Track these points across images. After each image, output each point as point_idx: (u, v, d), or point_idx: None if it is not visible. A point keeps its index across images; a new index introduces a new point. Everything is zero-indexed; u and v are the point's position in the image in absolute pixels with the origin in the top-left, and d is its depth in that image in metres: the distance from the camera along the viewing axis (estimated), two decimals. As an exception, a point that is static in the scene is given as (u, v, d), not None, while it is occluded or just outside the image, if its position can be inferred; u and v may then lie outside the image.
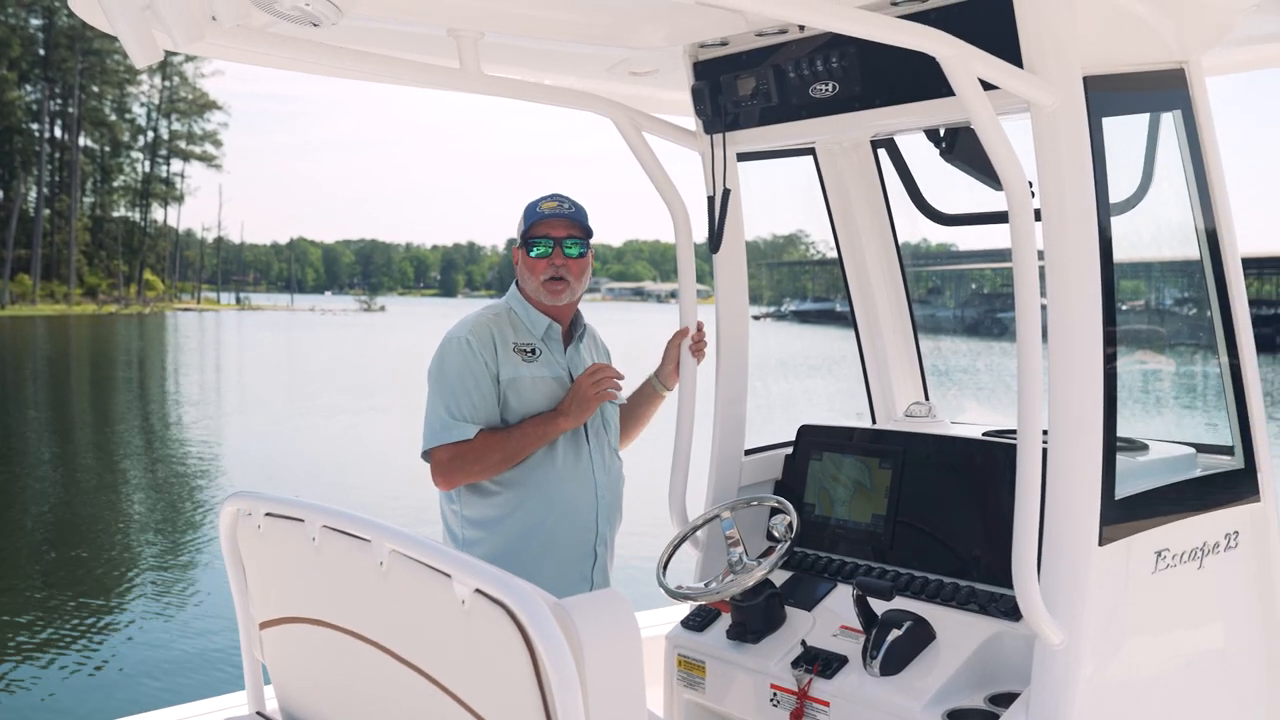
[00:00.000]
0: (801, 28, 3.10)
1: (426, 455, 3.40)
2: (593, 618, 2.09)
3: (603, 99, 3.59)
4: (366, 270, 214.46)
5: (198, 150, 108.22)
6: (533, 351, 3.46)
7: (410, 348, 54.79)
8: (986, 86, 2.49)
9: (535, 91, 3.47)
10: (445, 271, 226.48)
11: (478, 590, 2.09)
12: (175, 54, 2.95)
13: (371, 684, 2.48)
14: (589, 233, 3.52)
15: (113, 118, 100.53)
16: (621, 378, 3.48)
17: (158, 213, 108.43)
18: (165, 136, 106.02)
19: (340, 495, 14.96)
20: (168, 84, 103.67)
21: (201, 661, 9.17)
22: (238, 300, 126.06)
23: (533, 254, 3.48)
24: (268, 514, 2.65)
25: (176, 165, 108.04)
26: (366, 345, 56.91)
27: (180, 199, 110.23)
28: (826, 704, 3.04)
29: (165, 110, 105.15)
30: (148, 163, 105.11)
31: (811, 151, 4.04)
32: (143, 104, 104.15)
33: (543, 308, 3.52)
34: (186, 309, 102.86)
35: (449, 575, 2.15)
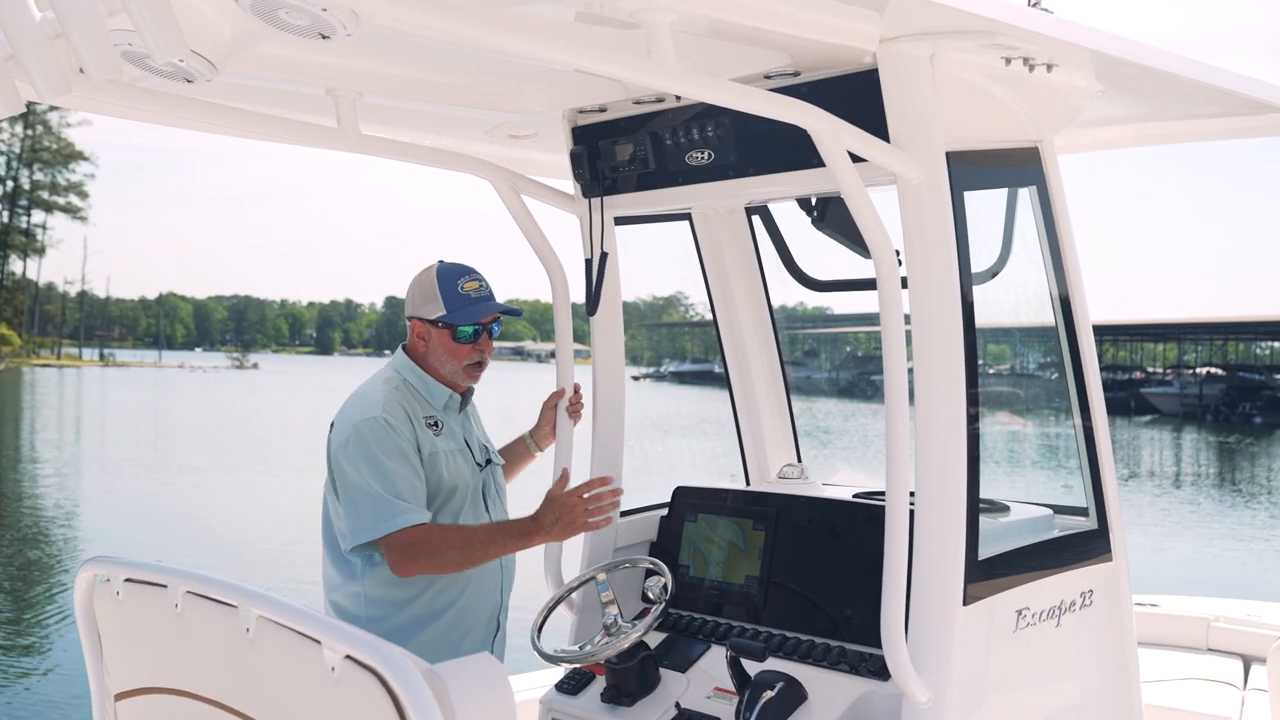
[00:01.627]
0: (678, 97, 3.18)
1: (367, 544, 3.18)
2: (466, 683, 2.07)
3: (481, 161, 3.61)
4: (239, 327, 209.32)
5: (61, 201, 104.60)
6: (436, 424, 3.34)
7: (284, 406, 53.58)
8: (855, 159, 2.58)
9: (413, 152, 3.47)
10: (321, 329, 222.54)
11: (348, 656, 2.05)
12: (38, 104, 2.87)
13: (235, 756, 2.40)
14: (510, 313, 3.45)
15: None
16: (620, 493, 3.39)
17: (16, 265, 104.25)
18: (26, 186, 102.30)
19: (207, 561, 14.45)
20: (30, 133, 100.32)
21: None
22: (101, 356, 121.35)
23: (459, 339, 3.34)
24: (127, 580, 2.56)
25: (38, 216, 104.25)
26: (238, 404, 55.36)
27: (41, 251, 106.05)
28: (700, 767, 3.04)
29: (27, 159, 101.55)
30: (6, 213, 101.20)
31: (688, 216, 4.11)
32: (2, 152, 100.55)
33: (445, 381, 3.40)
34: (45, 365, 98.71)
35: (318, 641, 2.10)
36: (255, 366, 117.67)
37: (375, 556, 3.22)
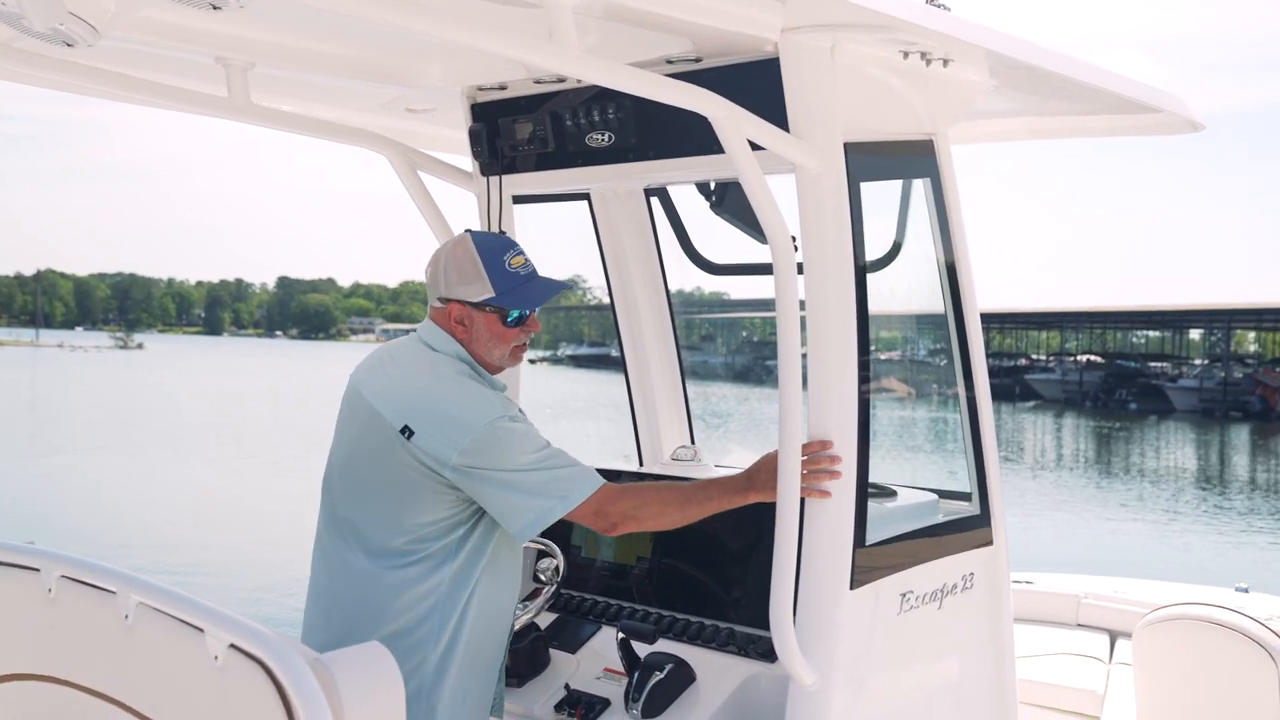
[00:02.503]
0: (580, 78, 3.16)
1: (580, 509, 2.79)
2: (354, 672, 2.04)
3: (377, 135, 3.54)
4: (124, 306, 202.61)
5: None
6: None
7: (171, 387, 52.13)
8: (755, 146, 2.60)
9: (306, 124, 3.40)
10: (210, 309, 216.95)
11: (232, 645, 2.00)
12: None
13: (112, 745, 2.33)
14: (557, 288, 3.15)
15: None
16: (839, 461, 2.79)
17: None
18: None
19: (85, 545, 14.00)
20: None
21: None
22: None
23: (509, 322, 2.92)
24: None
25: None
26: (122, 384, 53.66)
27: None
28: (590, 748, 3.05)
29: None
30: None
31: (587, 196, 4.10)
32: None
33: (493, 370, 3.00)
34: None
35: (201, 629, 2.05)
36: (140, 346, 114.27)
37: (453, 553, 2.82)
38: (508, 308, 2.90)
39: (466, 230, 3.04)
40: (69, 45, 2.15)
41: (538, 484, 2.75)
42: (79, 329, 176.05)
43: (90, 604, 2.26)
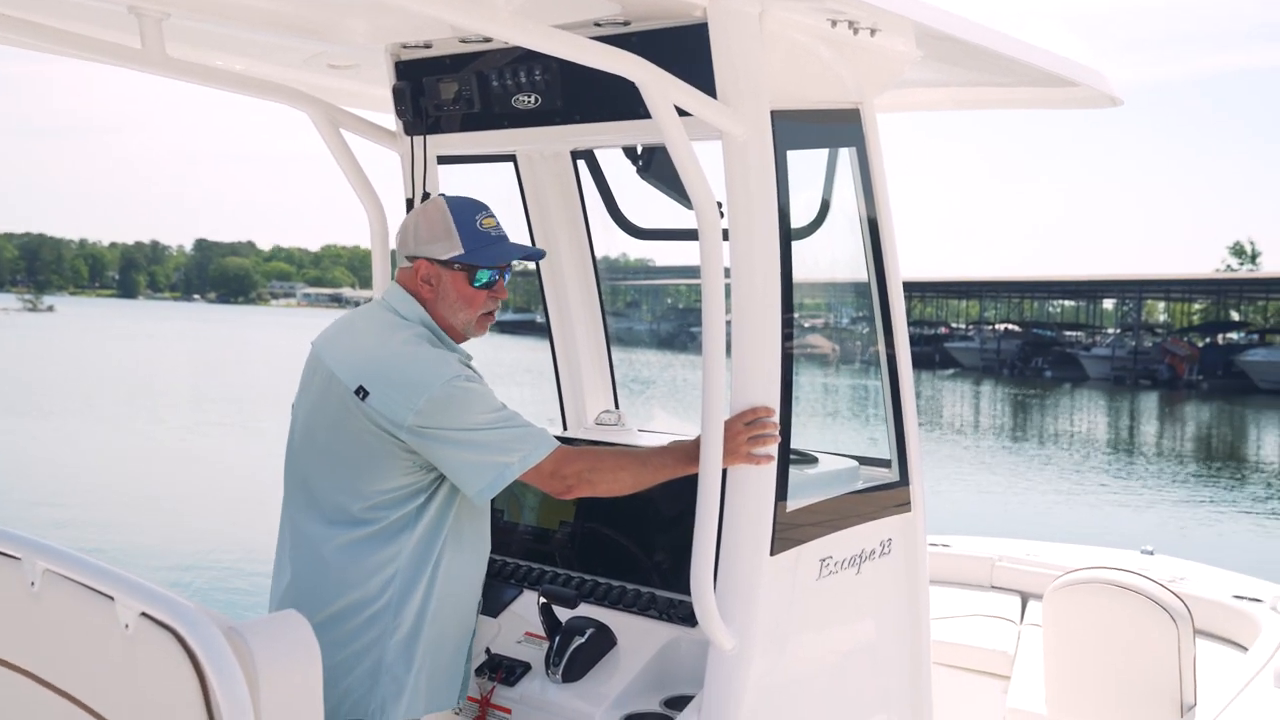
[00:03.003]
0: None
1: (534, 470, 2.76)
2: (269, 641, 2.01)
3: (297, 91, 3.46)
4: (32, 267, 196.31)
5: None
6: None
7: (84, 351, 50.81)
8: (682, 112, 2.59)
9: (224, 78, 3.30)
10: (125, 271, 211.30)
11: (143, 614, 1.96)
12: None
13: (19, 717, 2.27)
14: (532, 255, 3.10)
15: None
16: (778, 426, 2.78)
17: None
18: None
19: (-7, 504, 13.65)
20: None
21: None
22: None
23: (477, 284, 2.87)
24: None
25: None
26: (30, 349, 52.17)
27: None
28: (508, 711, 3.06)
29: None
30: None
31: (513, 159, 4.06)
32: None
33: (458, 338, 2.95)
34: None
35: (111, 597, 2.00)
36: (51, 309, 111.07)
37: (412, 522, 2.79)
38: (476, 265, 2.85)
39: (441, 194, 3.00)
40: (-29, -10, 2.07)
41: (495, 442, 2.71)
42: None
43: None
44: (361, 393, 2.73)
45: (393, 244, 3.31)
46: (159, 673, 1.94)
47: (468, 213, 2.88)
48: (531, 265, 4.26)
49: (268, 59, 3.50)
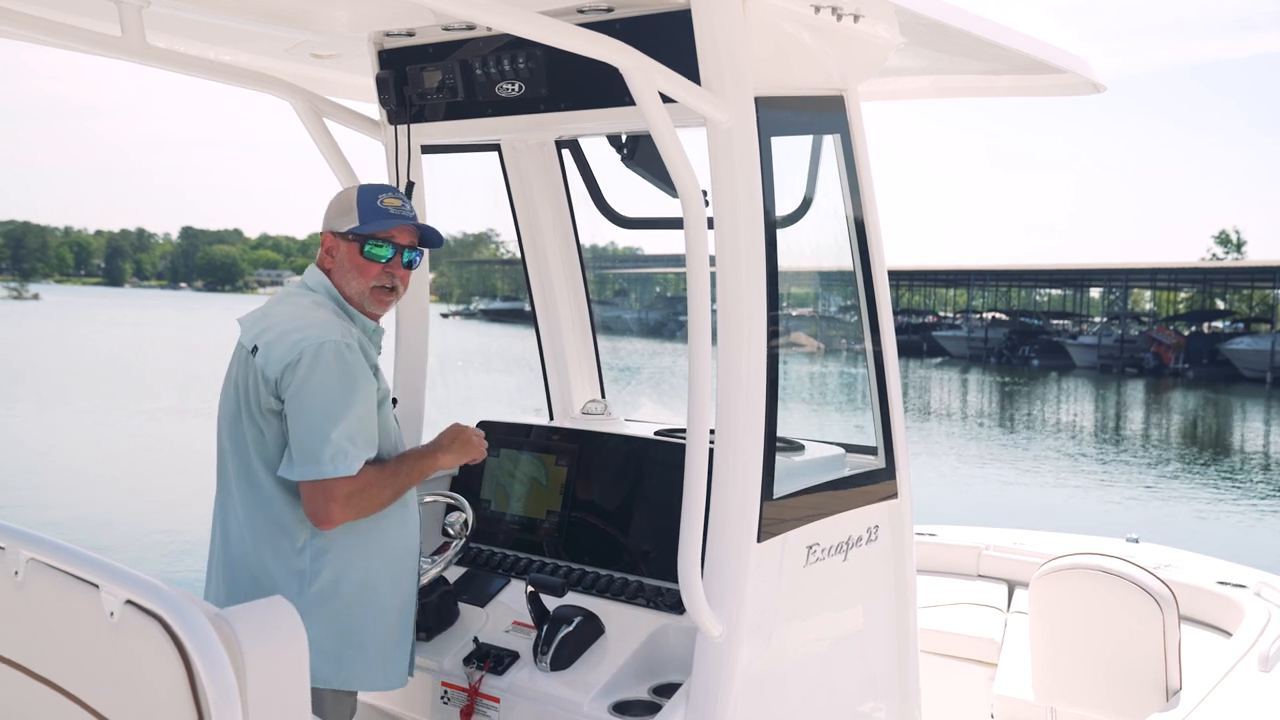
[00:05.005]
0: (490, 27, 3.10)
1: (302, 484, 2.82)
2: (255, 627, 2.01)
3: (281, 81, 3.45)
4: (16, 255, 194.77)
5: None
6: (368, 357, 2.98)
7: (70, 340, 50.62)
8: (666, 99, 2.58)
9: (206, 67, 3.29)
10: (111, 259, 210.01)
11: (129, 601, 1.96)
12: None
13: (4, 707, 2.27)
14: (428, 242, 3.11)
15: None
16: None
17: None
18: None
19: (-23, 495, 13.59)
20: None
21: None
22: None
23: (367, 254, 2.97)
24: None
25: None
26: (16, 337, 51.94)
27: None
28: (497, 700, 3.06)
29: None
30: None
31: (498, 148, 4.05)
32: None
33: (364, 310, 3.04)
34: None
35: (96, 585, 2.00)
36: (36, 297, 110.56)
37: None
38: (367, 234, 2.98)
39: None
40: (-52, -24, 2.06)
41: (304, 436, 2.79)
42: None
43: None
44: (255, 350, 2.89)
45: None
46: (145, 660, 1.94)
47: (372, 192, 3.06)
48: (518, 254, 4.26)
49: (250, 48, 3.48)
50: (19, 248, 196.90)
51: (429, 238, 3.08)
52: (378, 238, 2.98)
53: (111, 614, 1.97)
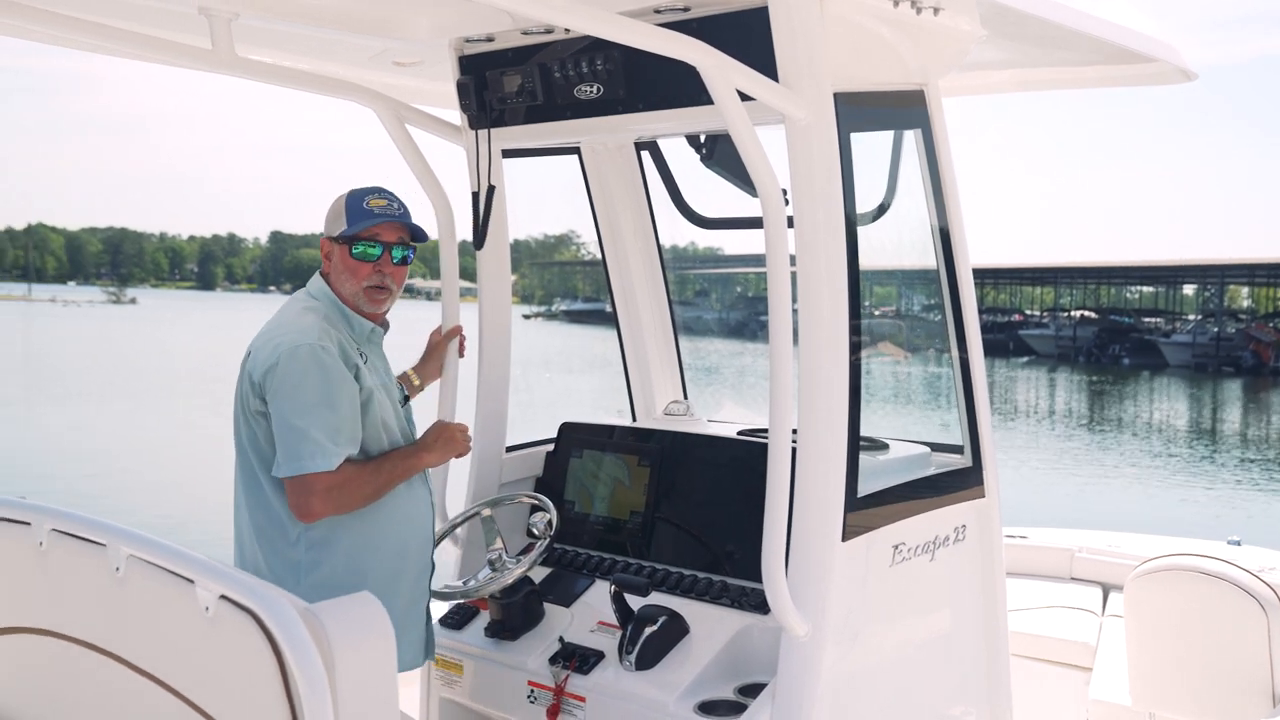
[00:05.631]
0: (568, 29, 3.12)
1: (285, 479, 2.97)
2: (344, 621, 2.05)
3: (364, 89, 3.51)
4: (115, 260, 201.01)
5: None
6: (363, 357, 3.12)
7: (166, 342, 52.04)
8: (744, 97, 2.58)
9: (293, 78, 3.36)
10: (203, 264, 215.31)
11: (223, 596, 2.01)
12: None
13: (106, 697, 2.34)
14: (418, 237, 3.20)
15: None
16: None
17: None
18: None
19: (80, 499, 14.04)
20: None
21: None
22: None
23: (356, 254, 3.09)
24: None
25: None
26: (116, 339, 53.58)
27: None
28: (583, 699, 3.07)
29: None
30: None
31: (577, 150, 4.07)
32: None
33: (361, 311, 3.17)
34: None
35: (191, 581, 2.06)
36: (133, 301, 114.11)
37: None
38: (354, 235, 3.09)
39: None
40: (50, -6, 2.13)
41: (284, 433, 2.93)
42: (71, 284, 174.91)
43: (81, 557, 2.26)
44: (248, 355, 3.06)
45: (463, 234, 3.38)
46: (238, 653, 1.99)
47: (359, 195, 3.17)
48: (599, 254, 4.28)
49: (335, 58, 3.55)
50: (117, 253, 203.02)
51: (419, 234, 3.20)
52: (362, 238, 3.09)
53: (206, 609, 2.02)
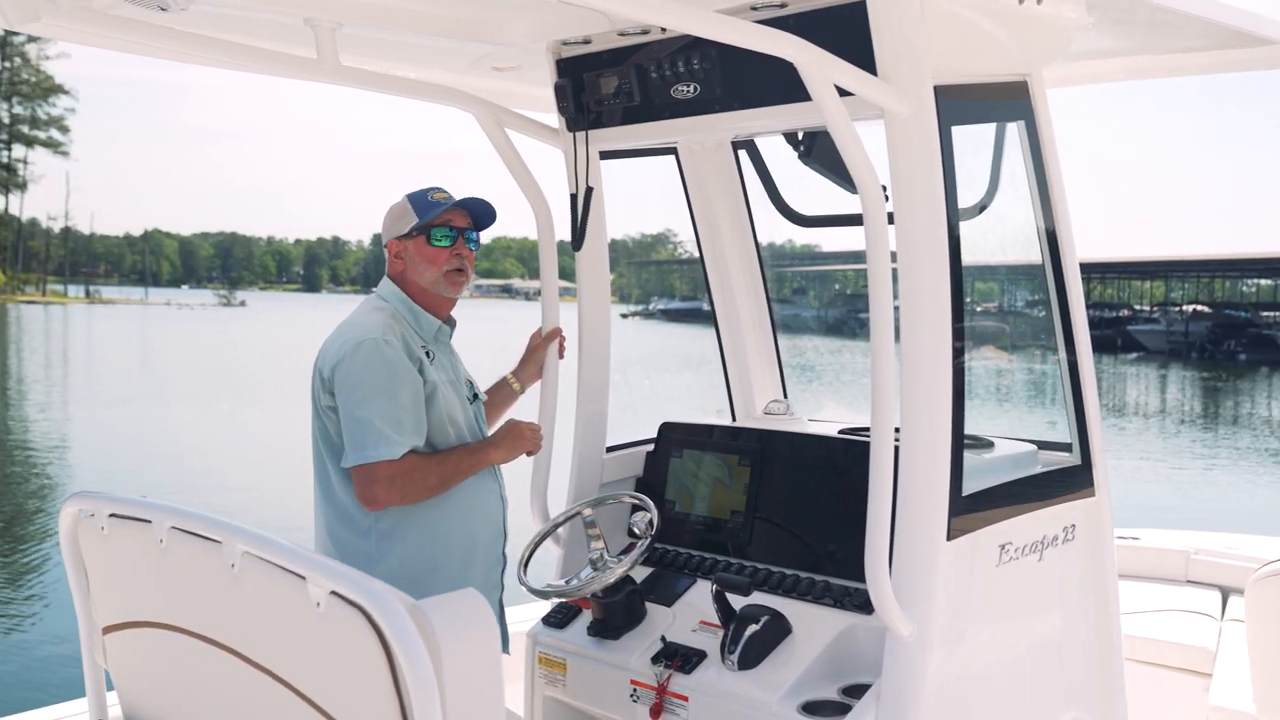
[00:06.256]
0: (664, 29, 3.13)
1: (352, 469, 3.09)
2: (451, 618, 2.08)
3: (464, 94, 3.56)
4: (226, 264, 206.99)
5: (42, 135, 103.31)
6: (429, 355, 3.24)
7: (273, 343, 53.48)
8: (843, 92, 2.55)
9: (395, 84, 3.42)
10: (309, 266, 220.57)
11: (333, 592, 2.06)
12: (16, 34, 2.81)
13: (222, 689, 2.42)
14: (480, 224, 3.36)
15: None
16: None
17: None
18: (5, 120, 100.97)
19: (195, 496, 14.50)
20: (7, 65, 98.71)
21: (45, 668, 8.78)
22: (87, 293, 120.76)
23: (434, 243, 3.25)
24: (112, 515, 2.56)
25: (19, 151, 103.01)
26: (227, 341, 55.23)
27: (23, 186, 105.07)
28: (685, 699, 3.08)
29: (5, 93, 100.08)
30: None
31: (674, 150, 4.08)
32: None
33: (430, 307, 3.31)
34: (31, 302, 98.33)
35: (303, 577, 2.11)
36: (243, 304, 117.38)
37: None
38: (429, 224, 3.24)
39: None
40: (163, 10, 2.20)
41: (350, 424, 3.06)
42: (184, 287, 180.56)
43: (199, 554, 2.34)
44: (320, 353, 3.20)
45: (561, 235, 3.42)
46: (348, 648, 2.04)
47: (422, 193, 3.32)
48: (696, 253, 4.28)
49: (435, 64, 3.61)
50: (228, 257, 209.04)
51: (481, 220, 3.33)
52: (436, 225, 3.25)
53: (318, 604, 2.07)
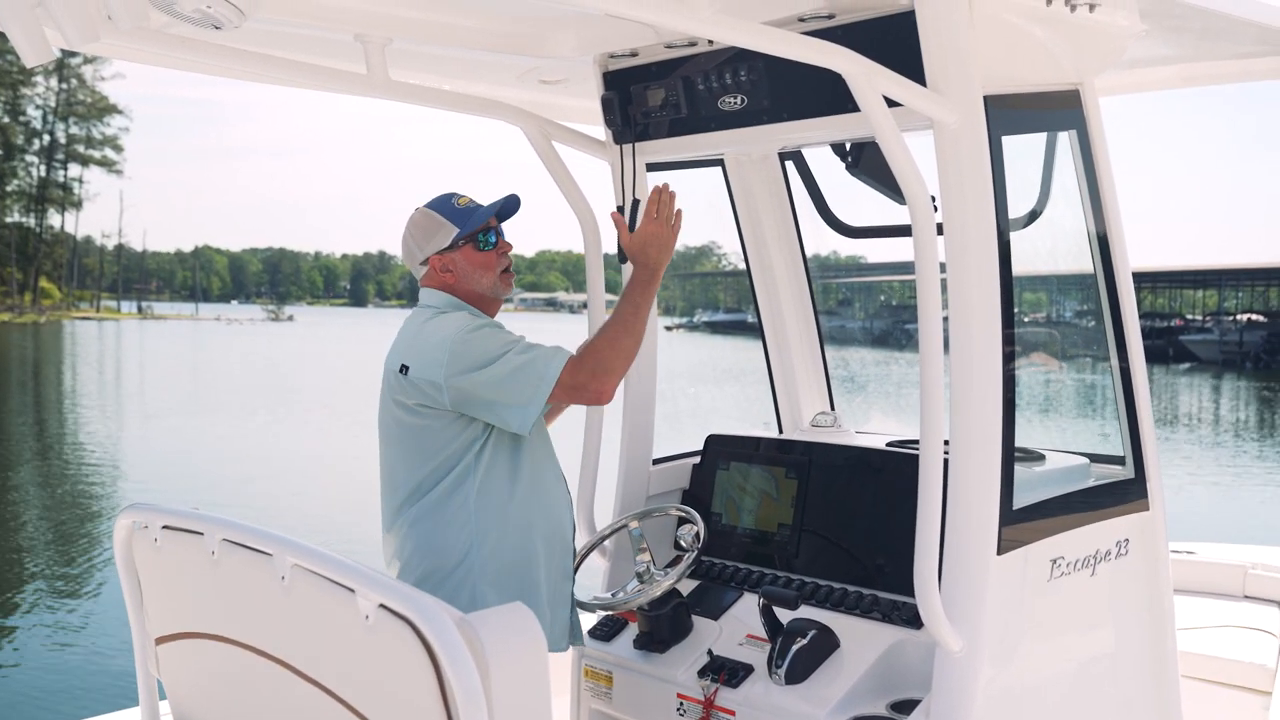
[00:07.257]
0: (710, 41, 3.13)
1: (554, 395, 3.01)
2: (498, 631, 2.09)
3: (512, 107, 3.58)
4: (274, 279, 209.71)
5: (97, 155, 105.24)
6: None
7: (321, 357, 54.06)
8: (891, 103, 2.54)
9: (443, 98, 3.45)
10: (355, 281, 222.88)
11: (382, 605, 2.07)
12: (73, 55, 2.87)
13: (271, 700, 2.44)
14: (503, 217, 3.31)
15: (5, 120, 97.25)
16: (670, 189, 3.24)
17: (54, 219, 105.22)
18: (62, 140, 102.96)
19: (245, 509, 14.65)
20: (65, 86, 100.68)
21: (99, 677, 8.90)
22: (139, 309, 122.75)
23: (484, 247, 3.17)
24: (165, 527, 2.59)
25: (74, 170, 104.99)
26: (275, 355, 55.88)
27: (78, 204, 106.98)
28: (732, 713, 3.06)
29: (62, 113, 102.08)
30: (43, 167, 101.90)
31: (720, 162, 4.07)
32: (38, 106, 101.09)
33: (485, 311, 3.23)
34: (85, 318, 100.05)
35: (352, 590, 2.12)
36: (291, 319, 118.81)
37: (473, 474, 3.06)
38: (475, 231, 3.17)
39: (416, 208, 3.29)
40: (217, 28, 2.23)
41: (518, 368, 2.96)
42: (234, 302, 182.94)
43: (249, 566, 2.36)
44: (405, 370, 3.07)
45: (608, 248, 3.40)
46: (397, 661, 2.05)
47: (444, 202, 3.23)
48: (742, 264, 4.27)
49: (483, 78, 3.63)
50: (276, 273, 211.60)
51: (509, 212, 3.28)
52: (479, 232, 3.19)
53: (366, 617, 2.08)
